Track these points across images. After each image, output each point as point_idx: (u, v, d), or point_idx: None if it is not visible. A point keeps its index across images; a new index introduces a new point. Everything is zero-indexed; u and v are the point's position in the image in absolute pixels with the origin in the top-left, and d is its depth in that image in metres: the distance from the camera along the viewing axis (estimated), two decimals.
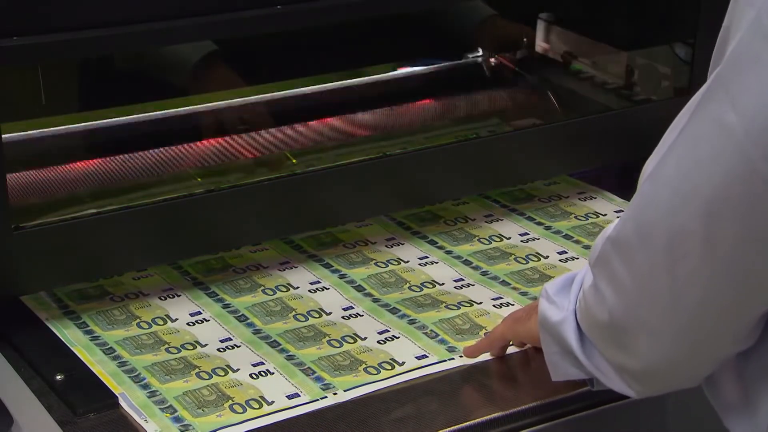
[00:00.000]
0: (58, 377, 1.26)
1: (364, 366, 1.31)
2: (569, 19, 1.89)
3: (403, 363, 1.31)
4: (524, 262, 1.55)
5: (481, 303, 1.45)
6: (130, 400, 1.24)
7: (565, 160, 1.70)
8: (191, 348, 1.34)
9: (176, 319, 1.40)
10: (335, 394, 1.26)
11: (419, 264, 1.54)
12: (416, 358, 1.33)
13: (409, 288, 1.48)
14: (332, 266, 1.53)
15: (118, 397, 1.24)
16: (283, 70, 1.70)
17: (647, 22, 1.79)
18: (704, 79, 0.92)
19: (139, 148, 1.56)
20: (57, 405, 1.23)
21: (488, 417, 1.23)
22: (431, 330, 1.38)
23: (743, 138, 0.86)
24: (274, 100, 1.70)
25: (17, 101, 1.53)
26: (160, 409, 1.22)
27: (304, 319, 1.41)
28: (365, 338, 1.36)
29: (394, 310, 1.43)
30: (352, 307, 1.43)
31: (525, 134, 1.68)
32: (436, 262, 1.55)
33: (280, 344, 1.35)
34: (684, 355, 1.02)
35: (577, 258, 1.57)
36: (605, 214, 1.69)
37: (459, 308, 1.43)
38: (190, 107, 1.65)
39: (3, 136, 1.24)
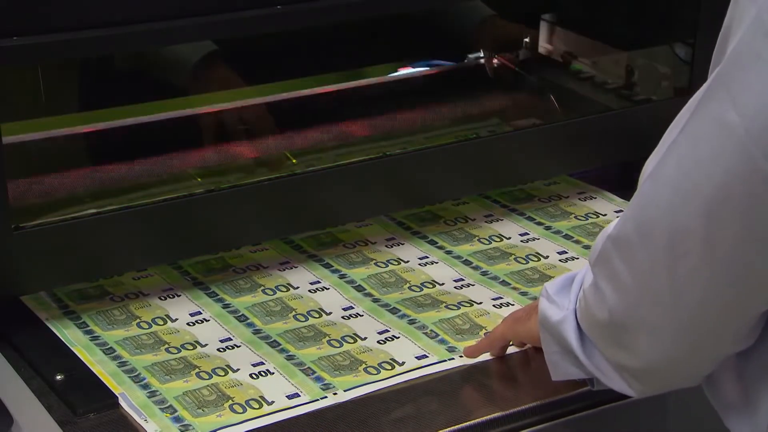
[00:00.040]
0: (58, 377, 1.26)
1: (364, 366, 1.31)
2: (569, 19, 1.89)
3: (403, 363, 1.31)
4: (524, 262, 1.55)
5: (481, 303, 1.45)
6: (130, 400, 1.24)
7: (565, 160, 1.70)
8: (191, 348, 1.34)
9: (176, 319, 1.40)
10: (335, 394, 1.26)
11: (419, 264, 1.54)
12: (416, 358, 1.33)
13: (409, 288, 1.48)
14: (332, 266, 1.53)
15: (118, 397, 1.24)
16: (283, 70, 1.70)
17: (647, 22, 1.79)
18: (704, 79, 0.92)
19: (140, 149, 1.56)
20: (57, 405, 1.23)
21: (488, 417, 1.23)
22: (431, 330, 1.38)
23: (744, 137, 0.86)
24: (275, 99, 1.70)
25: (17, 101, 1.53)
26: (160, 409, 1.22)
27: (304, 319, 1.40)
28: (365, 338, 1.36)
29: (394, 310, 1.43)
30: (352, 307, 1.43)
31: (525, 134, 1.68)
32: (436, 262, 1.55)
33: (280, 344, 1.35)
34: (684, 354, 1.02)
35: (577, 258, 1.57)
36: (605, 214, 1.69)
37: (459, 308, 1.43)
38: (191, 109, 1.65)
39: (3, 138, 1.24)
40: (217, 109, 1.65)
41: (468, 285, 1.49)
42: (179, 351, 1.33)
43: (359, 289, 1.48)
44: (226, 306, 1.43)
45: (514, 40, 1.91)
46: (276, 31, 1.41)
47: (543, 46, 1.91)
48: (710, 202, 0.90)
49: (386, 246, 1.59)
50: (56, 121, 1.57)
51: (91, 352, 1.33)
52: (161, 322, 1.39)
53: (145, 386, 1.26)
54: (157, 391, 1.26)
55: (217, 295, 1.46)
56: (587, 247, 1.58)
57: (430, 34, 1.84)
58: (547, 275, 1.51)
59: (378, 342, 1.36)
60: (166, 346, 1.34)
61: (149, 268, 1.49)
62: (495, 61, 1.89)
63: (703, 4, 1.64)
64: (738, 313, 0.96)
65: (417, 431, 1.21)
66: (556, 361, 1.18)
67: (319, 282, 1.49)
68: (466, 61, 1.90)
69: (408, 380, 1.29)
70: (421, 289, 1.48)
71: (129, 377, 1.28)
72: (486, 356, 1.33)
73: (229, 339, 1.36)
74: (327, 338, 1.36)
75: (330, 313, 1.42)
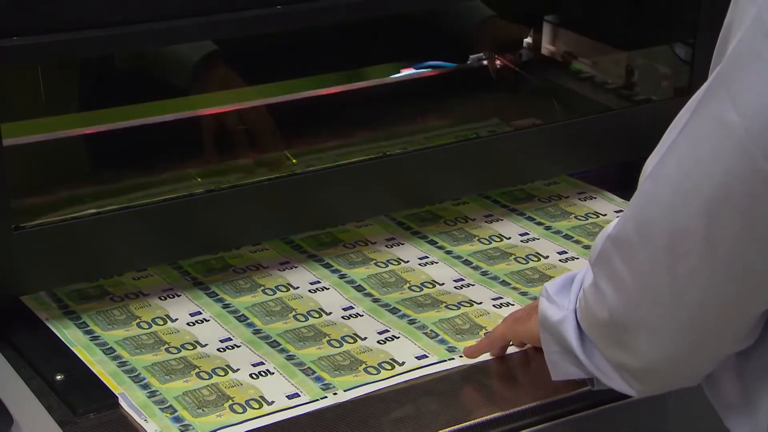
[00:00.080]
0: (58, 377, 1.26)
1: (364, 366, 1.31)
2: (569, 19, 1.89)
3: (403, 363, 1.31)
4: (524, 262, 1.55)
5: (481, 303, 1.45)
6: (130, 400, 1.24)
7: (565, 160, 1.70)
8: (191, 348, 1.34)
9: (176, 319, 1.40)
10: (335, 394, 1.26)
11: (419, 264, 1.54)
12: (416, 358, 1.33)
13: (409, 288, 1.48)
14: (332, 266, 1.53)
15: (118, 397, 1.24)
16: (283, 70, 1.70)
17: (647, 22, 1.79)
18: (704, 79, 0.92)
19: (140, 149, 1.56)
20: (57, 405, 1.23)
21: (488, 417, 1.23)
22: (431, 330, 1.38)
23: (744, 136, 0.86)
24: (276, 101, 1.70)
25: (17, 101, 1.53)
26: (160, 409, 1.22)
27: (304, 319, 1.40)
28: (365, 338, 1.36)
29: (394, 310, 1.43)
30: (352, 307, 1.43)
31: (525, 134, 1.68)
32: (436, 262, 1.55)
33: (280, 344, 1.35)
34: (684, 354, 1.02)
35: (577, 258, 1.57)
36: (605, 214, 1.69)
37: (459, 308, 1.43)
38: (191, 109, 1.65)
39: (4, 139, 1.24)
40: (218, 109, 1.65)
41: (468, 285, 1.49)
42: (179, 351, 1.33)
43: (359, 289, 1.48)
44: (226, 306, 1.43)
45: (514, 40, 1.91)
46: (276, 31, 1.41)
47: (543, 46, 1.91)
48: (710, 202, 0.90)
49: (386, 246, 1.59)
50: (56, 121, 1.57)
51: (91, 352, 1.33)
52: (161, 322, 1.39)
53: (145, 386, 1.26)
54: (157, 391, 1.26)
55: (217, 295, 1.46)
56: (587, 247, 1.58)
57: (429, 35, 1.84)
58: (547, 275, 1.51)
59: (378, 342, 1.36)
60: (166, 346, 1.34)
61: (149, 268, 1.49)
62: (498, 62, 1.89)
63: (703, 4, 1.64)
64: (738, 312, 0.96)
65: (417, 431, 1.21)
66: (556, 360, 1.18)
67: (319, 282, 1.49)
68: (468, 62, 1.90)
69: (408, 380, 1.29)
70: (421, 289, 1.48)
71: (129, 377, 1.28)
72: (486, 356, 1.33)
73: (229, 339, 1.36)
74: (327, 338, 1.36)
75: (330, 313, 1.42)
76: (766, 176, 0.86)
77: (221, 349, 1.34)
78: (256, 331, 1.38)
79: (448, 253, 1.58)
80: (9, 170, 1.27)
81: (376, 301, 1.45)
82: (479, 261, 1.55)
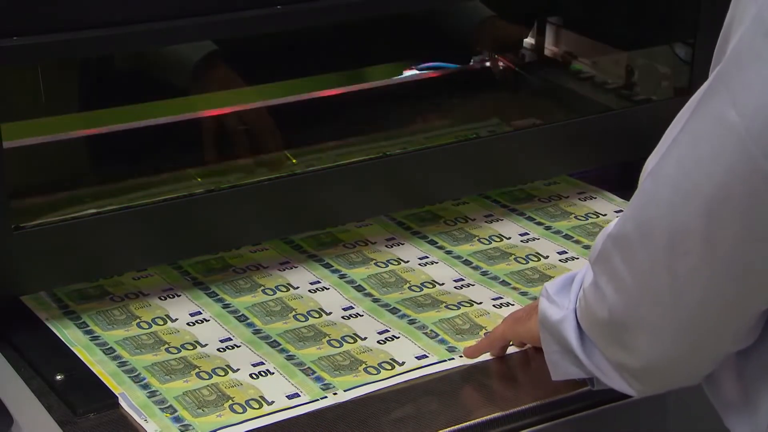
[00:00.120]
0: (58, 377, 1.26)
1: (364, 366, 1.31)
2: (569, 19, 1.89)
3: (403, 363, 1.31)
4: (524, 262, 1.55)
5: (481, 303, 1.45)
6: (130, 400, 1.24)
7: (565, 160, 1.70)
8: (191, 348, 1.34)
9: (176, 319, 1.40)
10: (335, 394, 1.26)
11: (419, 264, 1.54)
12: (416, 358, 1.33)
13: (409, 288, 1.48)
14: (332, 266, 1.53)
15: (118, 397, 1.24)
16: (283, 70, 1.70)
17: (647, 22, 1.79)
18: (704, 79, 0.92)
19: (140, 149, 1.56)
20: (57, 405, 1.23)
21: (488, 417, 1.23)
22: (431, 330, 1.38)
23: (744, 135, 0.86)
24: (278, 103, 1.70)
25: (17, 101, 1.53)
26: (160, 409, 1.22)
27: (304, 319, 1.40)
28: (365, 338, 1.36)
29: (394, 310, 1.43)
30: (352, 307, 1.43)
31: (525, 134, 1.68)
32: (436, 262, 1.55)
33: (280, 344, 1.35)
34: (684, 353, 1.02)
35: (577, 258, 1.57)
36: (605, 214, 1.69)
37: (459, 308, 1.43)
38: (191, 109, 1.65)
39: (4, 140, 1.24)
40: (218, 109, 1.65)
41: (468, 285, 1.49)
42: (179, 351, 1.33)
43: (359, 289, 1.48)
44: (226, 306, 1.43)
45: (514, 40, 1.91)
46: (276, 31, 1.41)
47: (543, 46, 1.91)
48: (710, 202, 0.90)
49: (386, 246, 1.59)
50: (56, 120, 1.57)
51: (91, 352, 1.33)
52: (161, 322, 1.39)
53: (145, 386, 1.26)
54: (157, 391, 1.26)
55: (217, 295, 1.46)
56: (587, 247, 1.58)
57: (429, 35, 1.84)
58: (547, 275, 1.51)
59: (378, 342, 1.36)
60: (166, 346, 1.34)
61: (149, 268, 1.49)
62: (501, 64, 1.89)
63: (703, 4, 1.64)
64: (738, 312, 0.96)
65: (417, 431, 1.21)
66: (556, 360, 1.18)
67: (319, 282, 1.49)
68: (471, 63, 1.90)
69: (408, 380, 1.29)
70: (421, 289, 1.48)
71: (129, 377, 1.28)
72: (486, 356, 1.33)
73: (229, 339, 1.36)
74: (327, 338, 1.36)
75: (330, 313, 1.42)
76: (766, 176, 0.86)
77: (221, 349, 1.34)
78: (256, 331, 1.38)
79: (448, 253, 1.58)
80: (9, 170, 1.27)
81: (376, 301, 1.45)
82: (479, 261, 1.55)
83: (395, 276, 1.51)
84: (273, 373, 1.29)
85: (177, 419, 1.21)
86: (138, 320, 1.39)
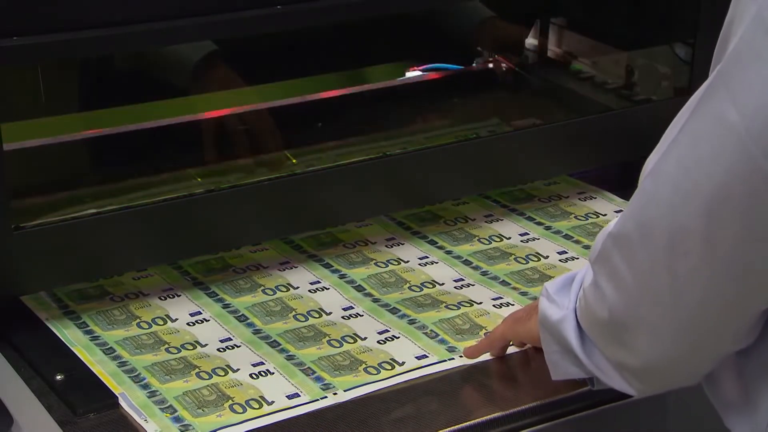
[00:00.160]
0: (58, 377, 1.26)
1: (364, 366, 1.31)
2: (569, 19, 1.89)
3: (403, 363, 1.31)
4: (524, 262, 1.55)
5: (481, 303, 1.45)
6: (130, 400, 1.24)
7: (565, 160, 1.70)
8: (191, 348, 1.34)
9: (176, 319, 1.40)
10: (335, 394, 1.26)
11: (419, 264, 1.54)
12: (416, 358, 1.33)
13: (409, 288, 1.48)
14: (332, 266, 1.53)
15: (118, 397, 1.24)
16: (283, 70, 1.70)
17: (647, 22, 1.79)
18: (704, 79, 0.92)
19: (140, 149, 1.56)
20: (57, 405, 1.23)
21: (488, 417, 1.23)
22: (431, 330, 1.38)
23: (744, 135, 0.86)
24: (278, 104, 1.70)
25: (17, 101, 1.53)
26: (160, 409, 1.22)
27: (304, 319, 1.40)
28: (365, 338, 1.36)
29: (394, 310, 1.43)
30: (352, 307, 1.43)
31: (525, 134, 1.68)
32: (436, 262, 1.55)
33: (280, 344, 1.35)
34: (684, 353, 1.02)
35: (577, 258, 1.57)
36: (605, 214, 1.69)
37: (459, 308, 1.43)
38: (191, 109, 1.65)
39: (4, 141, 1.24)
40: (218, 109, 1.65)
41: (468, 285, 1.49)
42: (179, 351, 1.33)
43: (359, 289, 1.48)
44: (226, 306, 1.43)
45: (514, 40, 1.91)
46: (276, 31, 1.41)
47: (543, 46, 1.91)
48: (710, 202, 0.90)
49: (386, 246, 1.59)
50: (56, 121, 1.57)
51: (91, 352, 1.33)
52: (161, 322, 1.39)
53: (145, 386, 1.26)
54: (157, 391, 1.25)
55: (217, 295, 1.46)
56: (587, 247, 1.58)
57: (429, 35, 1.84)
58: (547, 275, 1.51)
59: (378, 342, 1.36)
60: (166, 346, 1.34)
61: (149, 268, 1.49)
62: (502, 64, 1.89)
63: (703, 4, 1.64)
64: (738, 312, 0.96)
65: (417, 431, 1.21)
66: (556, 360, 1.18)
67: (319, 282, 1.49)
68: (474, 64, 1.90)
69: (408, 380, 1.29)
70: (421, 289, 1.48)
71: (129, 377, 1.28)
72: (486, 356, 1.33)
73: (229, 339, 1.36)
74: (327, 338, 1.36)
75: (330, 313, 1.42)
76: (766, 175, 0.86)
77: (221, 349, 1.34)
78: (256, 331, 1.38)
79: (448, 253, 1.58)
80: (9, 170, 1.27)
81: (376, 301, 1.45)
82: (479, 261, 1.55)
83: (395, 276, 1.51)
84: (273, 373, 1.29)
85: (177, 419, 1.21)
86: (138, 320, 1.39)
